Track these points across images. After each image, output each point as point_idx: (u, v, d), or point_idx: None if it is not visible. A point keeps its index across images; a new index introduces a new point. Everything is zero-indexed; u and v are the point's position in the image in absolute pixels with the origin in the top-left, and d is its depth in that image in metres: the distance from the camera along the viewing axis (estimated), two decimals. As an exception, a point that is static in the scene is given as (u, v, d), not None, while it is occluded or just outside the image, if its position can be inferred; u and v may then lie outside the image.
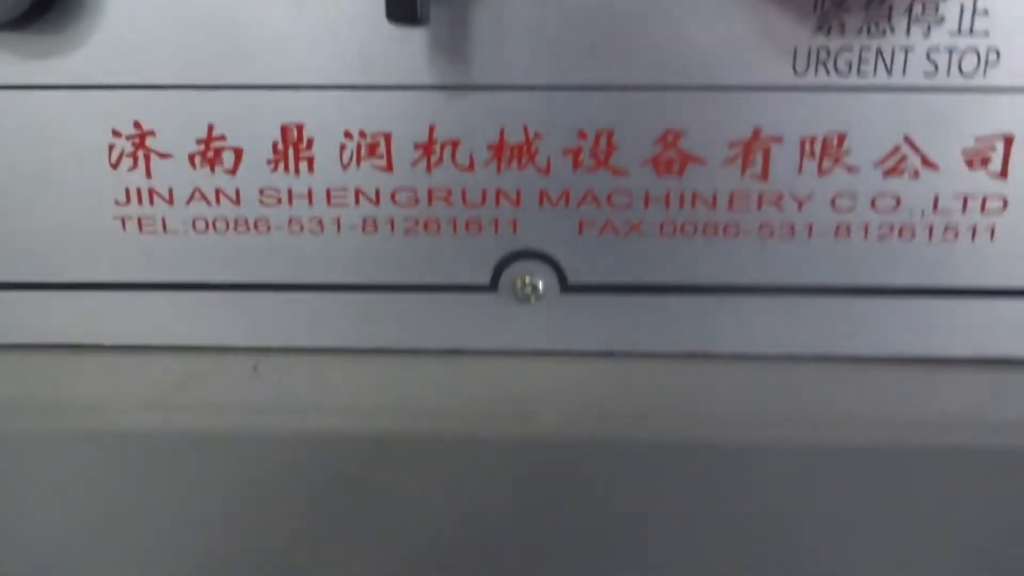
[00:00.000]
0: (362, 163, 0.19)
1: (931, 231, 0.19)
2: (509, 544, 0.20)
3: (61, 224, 0.20)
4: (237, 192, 0.19)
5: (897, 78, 0.18)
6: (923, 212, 0.19)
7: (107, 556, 0.20)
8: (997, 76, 0.18)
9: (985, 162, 0.18)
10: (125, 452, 0.19)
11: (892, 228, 0.19)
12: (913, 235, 0.19)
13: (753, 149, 0.19)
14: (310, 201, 0.19)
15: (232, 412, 0.19)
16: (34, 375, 0.20)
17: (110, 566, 0.20)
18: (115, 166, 0.19)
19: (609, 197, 0.19)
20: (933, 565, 0.19)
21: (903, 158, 0.18)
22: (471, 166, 0.19)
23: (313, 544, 0.20)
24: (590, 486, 0.19)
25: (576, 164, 0.19)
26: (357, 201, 0.19)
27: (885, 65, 0.18)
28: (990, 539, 0.19)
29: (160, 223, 0.20)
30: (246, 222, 0.20)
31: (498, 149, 0.19)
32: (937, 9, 0.17)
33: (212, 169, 0.19)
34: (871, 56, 0.18)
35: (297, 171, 0.19)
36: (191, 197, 0.19)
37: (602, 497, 0.19)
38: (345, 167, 0.19)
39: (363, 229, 0.20)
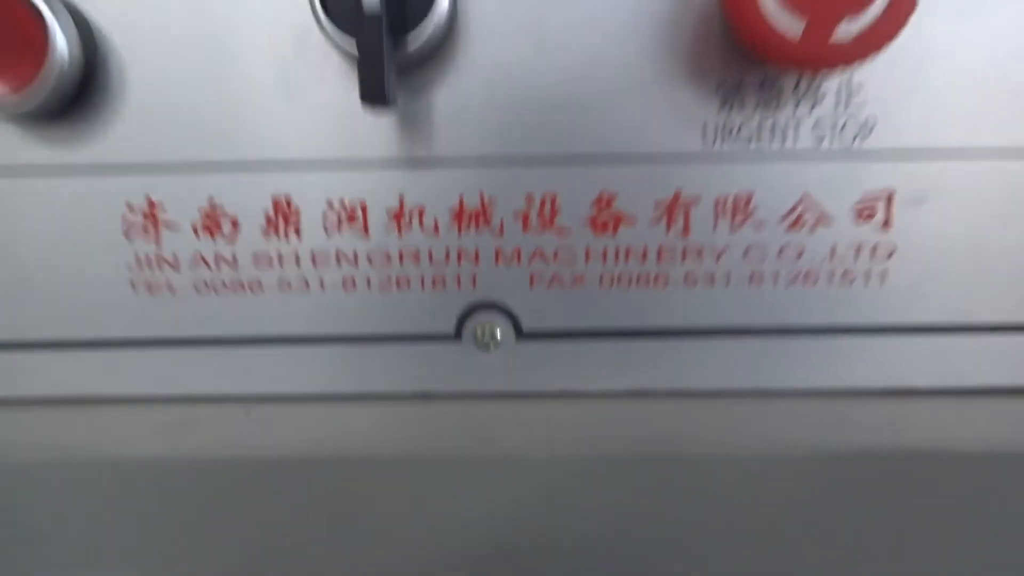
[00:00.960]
0: (342, 229, 0.21)
1: (831, 276, 0.21)
2: (473, 553, 0.21)
3: (78, 288, 0.22)
4: (234, 257, 0.21)
5: (790, 146, 0.20)
6: (823, 260, 0.21)
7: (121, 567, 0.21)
8: (874, 142, 0.20)
9: (872, 215, 0.21)
10: (138, 481, 0.20)
11: (797, 275, 0.21)
12: (816, 280, 0.21)
13: (675, 209, 0.21)
14: (298, 264, 0.21)
15: (228, 449, 0.21)
16: (55, 423, 0.22)
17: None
18: (127, 236, 0.21)
19: (555, 254, 0.21)
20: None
21: (802, 214, 0.21)
22: (436, 230, 0.21)
23: (295, 553, 0.21)
24: (545, 501, 0.20)
25: (526, 226, 0.21)
26: (339, 263, 0.21)
27: (780, 135, 0.20)
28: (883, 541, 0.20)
29: (167, 286, 0.22)
30: (242, 283, 0.22)
31: (459, 215, 0.21)
32: (819, 88, 0.20)
33: (212, 237, 0.21)
34: (767, 128, 0.20)
35: (287, 237, 0.21)
36: (194, 262, 0.21)
37: (555, 510, 0.20)
38: (328, 233, 0.21)
39: (344, 287, 0.22)
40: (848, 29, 0.17)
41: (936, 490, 0.21)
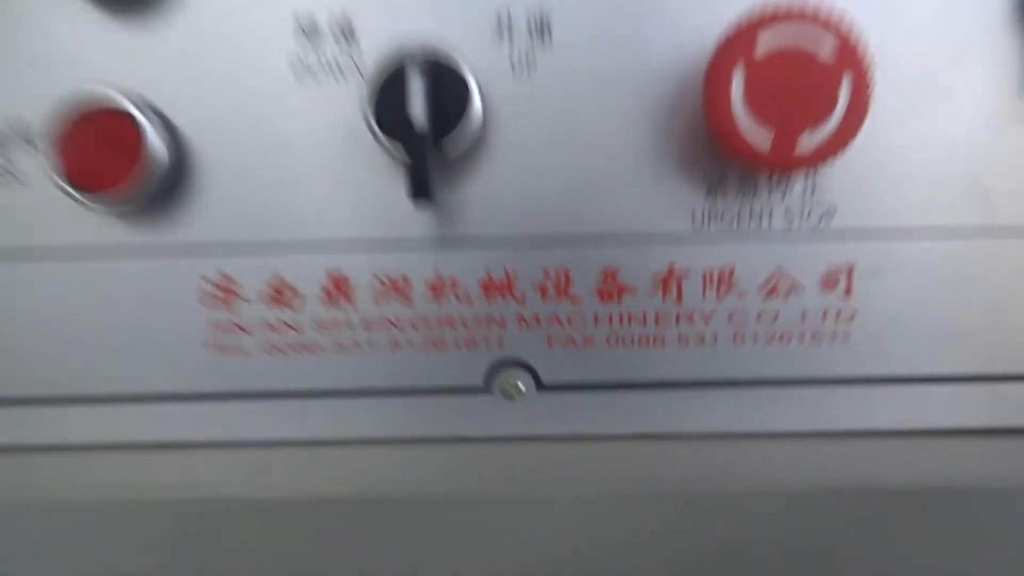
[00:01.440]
0: (389, 299, 0.25)
1: (802, 336, 0.25)
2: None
3: (159, 349, 0.25)
4: (297, 323, 0.25)
5: (766, 227, 0.24)
6: (795, 323, 0.24)
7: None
8: (836, 223, 0.24)
9: (835, 284, 0.24)
10: (214, 518, 0.23)
11: (774, 335, 0.25)
12: (789, 340, 0.25)
13: (669, 281, 0.24)
14: (352, 329, 0.25)
15: (294, 487, 0.24)
16: (140, 465, 0.25)
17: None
18: (203, 304, 0.25)
19: (569, 319, 0.25)
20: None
21: (777, 284, 0.24)
22: (468, 299, 0.24)
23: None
24: (561, 534, 0.24)
25: (543, 295, 0.24)
26: (386, 328, 0.25)
27: (756, 219, 0.24)
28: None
29: (237, 348, 0.25)
30: (304, 345, 0.25)
31: (487, 286, 0.24)
32: (788, 181, 0.23)
33: (278, 306, 0.25)
34: (746, 213, 0.24)
35: (342, 306, 0.25)
36: (262, 327, 0.25)
37: (570, 542, 0.24)
38: (376, 303, 0.25)
39: (391, 348, 0.25)
40: (810, 140, 0.21)
41: (894, 520, 0.24)
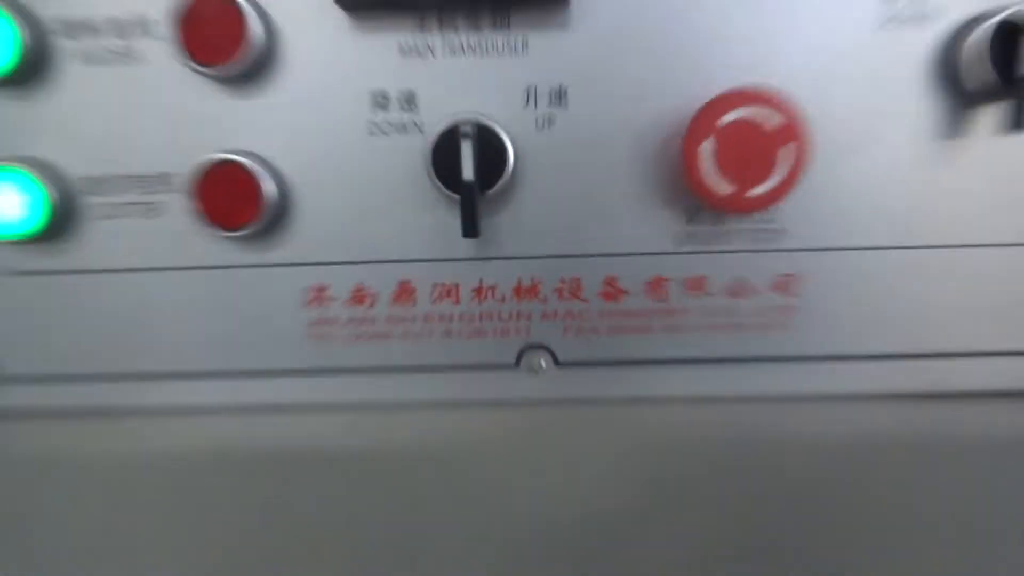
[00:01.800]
0: (443, 300, 0.32)
1: (756, 327, 0.32)
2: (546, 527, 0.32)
3: (271, 338, 0.32)
4: (373, 319, 0.32)
5: (730, 247, 0.31)
6: (751, 316, 0.32)
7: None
8: (784, 243, 0.31)
9: (783, 288, 0.31)
10: (314, 466, 0.31)
11: (735, 326, 0.32)
12: (747, 329, 0.32)
13: (657, 286, 0.31)
14: (414, 322, 0.32)
15: (372, 441, 0.31)
16: (253, 426, 0.32)
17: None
18: (304, 306, 0.32)
19: (580, 314, 0.32)
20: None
21: (738, 288, 0.31)
22: (503, 299, 0.32)
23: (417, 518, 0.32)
24: (579, 473, 0.31)
25: (560, 296, 0.32)
26: (441, 321, 0.32)
27: (724, 240, 0.31)
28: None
29: (330, 337, 0.32)
30: (378, 335, 0.32)
31: (517, 290, 0.32)
32: (748, 215, 0.30)
33: (360, 306, 0.32)
34: (716, 235, 0.31)
35: (407, 305, 0.32)
36: (348, 322, 0.32)
37: (584, 480, 0.31)
38: (433, 302, 0.32)
39: (444, 336, 0.32)
40: (758, 190, 0.28)
41: (805, 471, 0.32)
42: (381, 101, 0.29)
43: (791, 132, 0.27)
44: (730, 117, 0.27)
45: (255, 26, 0.28)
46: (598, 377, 0.33)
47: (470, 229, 0.29)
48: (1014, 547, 0.31)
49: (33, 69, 0.29)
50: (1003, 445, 0.31)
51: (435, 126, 0.29)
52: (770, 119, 0.27)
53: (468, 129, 0.28)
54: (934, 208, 0.30)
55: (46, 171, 0.30)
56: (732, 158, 0.28)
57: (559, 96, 0.29)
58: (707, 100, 0.27)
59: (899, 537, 0.31)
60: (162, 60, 0.29)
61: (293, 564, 0.32)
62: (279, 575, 0.32)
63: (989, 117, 0.29)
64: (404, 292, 0.32)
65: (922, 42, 0.29)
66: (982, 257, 0.31)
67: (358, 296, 0.32)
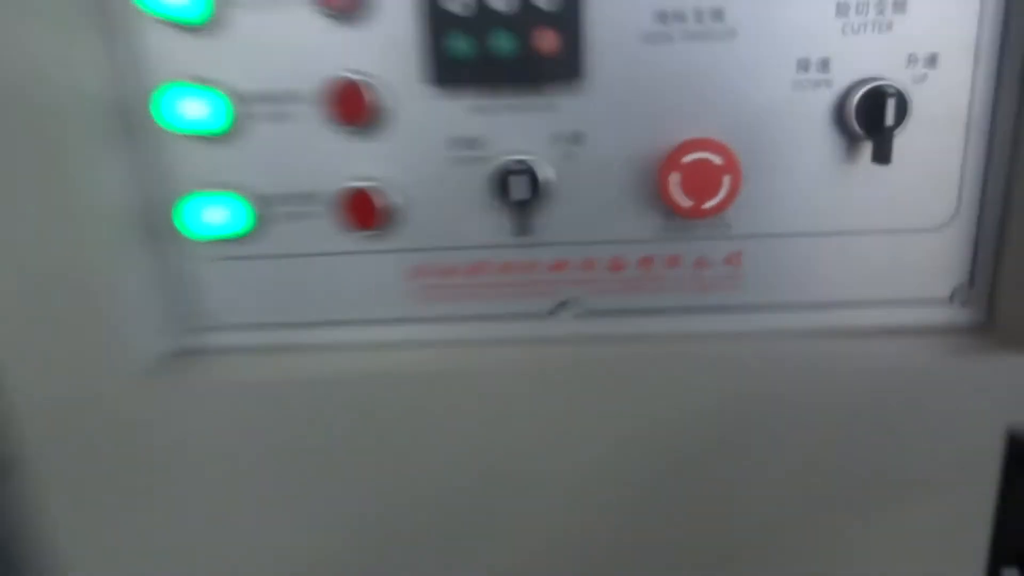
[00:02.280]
0: (509, 271, 0.47)
1: (715, 286, 0.46)
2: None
3: (384, 300, 0.48)
4: (457, 285, 0.47)
5: (695, 236, 0.45)
6: (711, 280, 0.46)
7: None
8: (732, 232, 0.45)
9: (733, 261, 0.46)
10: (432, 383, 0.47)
11: (701, 286, 0.46)
12: (708, 288, 0.46)
13: (646, 261, 0.46)
14: (485, 288, 0.47)
15: (455, 366, 0.47)
16: (370, 359, 0.48)
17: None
18: (408, 276, 0.47)
19: (594, 281, 0.46)
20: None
21: (701, 262, 0.46)
22: (544, 271, 0.46)
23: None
24: (602, 395, 0.47)
25: (584, 269, 0.46)
26: (504, 286, 0.47)
27: (691, 232, 0.45)
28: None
29: (424, 296, 0.48)
30: (460, 296, 0.47)
31: (552, 266, 0.46)
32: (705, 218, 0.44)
33: (445, 277, 0.47)
34: (686, 228, 0.45)
35: (480, 275, 0.47)
36: (438, 287, 0.47)
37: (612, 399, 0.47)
38: (502, 273, 0.47)
39: (506, 295, 0.47)
40: (710, 204, 0.42)
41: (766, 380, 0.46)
42: (457, 144, 0.44)
43: (730, 167, 0.41)
44: (689, 157, 0.41)
45: (373, 96, 0.43)
46: (608, 321, 0.47)
47: (520, 230, 0.43)
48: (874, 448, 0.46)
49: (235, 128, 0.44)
50: (878, 368, 0.45)
51: (496, 161, 0.43)
52: (715, 158, 0.41)
53: (515, 166, 0.43)
54: (833, 208, 0.44)
55: (247, 193, 0.45)
56: (691, 183, 0.42)
57: (577, 139, 0.43)
58: (675, 145, 0.41)
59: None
60: (312, 119, 0.44)
61: (407, 454, 0.48)
62: (406, 459, 0.48)
63: (867, 149, 0.43)
64: (479, 268, 0.47)
65: (823, 99, 0.42)
66: (864, 239, 0.45)
67: (445, 271, 0.47)
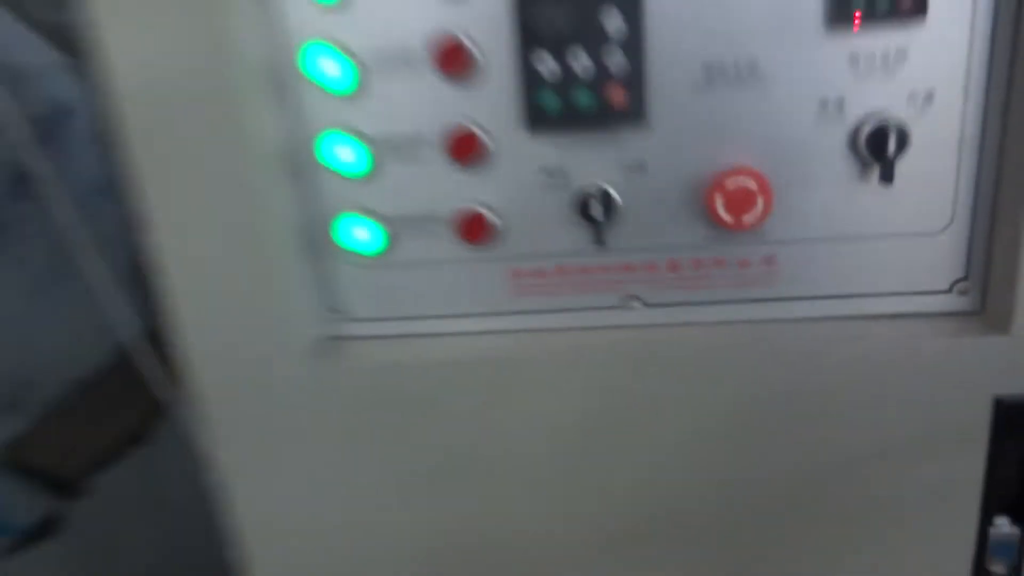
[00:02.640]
0: (583, 273, 0.58)
1: (755, 282, 0.57)
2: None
3: (485, 297, 0.60)
4: (546, 284, 0.59)
5: (737, 243, 0.56)
6: (752, 278, 0.57)
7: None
8: (765, 239, 0.56)
9: (767, 263, 0.56)
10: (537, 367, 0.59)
11: (743, 282, 0.57)
12: (749, 284, 0.57)
13: (697, 263, 0.57)
14: (569, 285, 0.59)
15: (546, 351, 0.59)
16: (467, 344, 0.60)
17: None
18: (507, 277, 0.59)
19: (656, 279, 0.58)
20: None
21: (744, 263, 0.57)
22: (615, 272, 0.58)
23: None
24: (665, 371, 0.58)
25: (647, 271, 0.58)
26: (582, 285, 0.59)
27: (733, 240, 0.56)
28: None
29: (519, 293, 0.59)
30: (550, 292, 0.59)
31: (621, 268, 0.58)
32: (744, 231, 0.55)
33: (537, 278, 0.59)
34: (730, 237, 0.56)
35: (565, 276, 0.59)
36: (529, 287, 0.59)
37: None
38: (577, 274, 0.58)
39: (584, 291, 0.59)
40: (747, 219, 0.53)
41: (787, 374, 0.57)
42: (547, 174, 0.56)
43: (763, 189, 0.52)
44: (730, 182, 0.52)
45: (481, 139, 0.55)
46: (666, 311, 0.59)
47: (597, 241, 0.55)
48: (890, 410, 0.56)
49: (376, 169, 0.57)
50: (888, 346, 0.56)
51: (577, 187, 0.55)
52: (751, 183, 0.52)
53: (592, 190, 0.54)
54: (850, 217, 0.55)
55: (382, 218, 0.58)
56: (732, 203, 0.53)
57: (641, 168, 0.55)
58: (718, 172, 0.52)
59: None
60: (434, 158, 0.56)
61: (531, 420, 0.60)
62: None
63: (876, 171, 0.53)
64: (562, 270, 0.58)
65: (840, 132, 0.53)
66: (876, 242, 0.55)
67: (536, 274, 0.59)
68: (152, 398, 1.28)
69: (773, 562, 0.62)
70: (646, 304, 0.59)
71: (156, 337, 1.22)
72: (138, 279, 1.30)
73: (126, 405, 1.31)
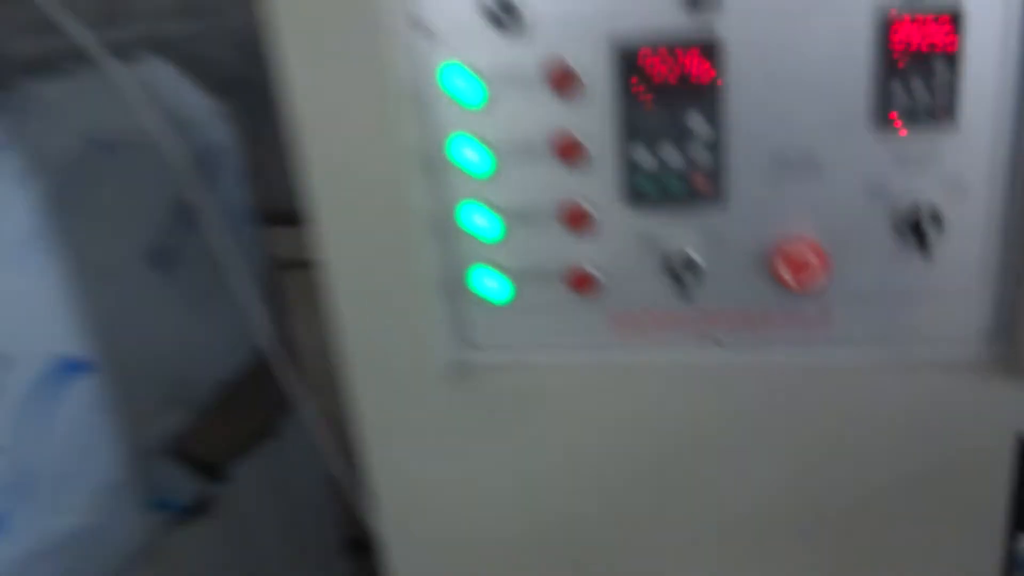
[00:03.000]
0: (675, 325, 0.71)
1: (814, 331, 0.69)
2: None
3: (606, 339, 0.73)
4: (647, 332, 0.72)
5: (799, 299, 0.68)
6: (810, 325, 0.69)
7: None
8: (821, 296, 0.68)
9: (824, 312, 0.68)
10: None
11: (805, 332, 0.69)
12: (811, 329, 0.69)
13: (766, 318, 0.69)
14: (667, 333, 0.72)
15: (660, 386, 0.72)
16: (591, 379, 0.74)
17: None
18: (612, 323, 0.73)
19: (738, 329, 0.70)
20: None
21: (801, 316, 0.69)
22: (703, 322, 0.71)
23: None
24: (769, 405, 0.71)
25: (730, 323, 0.70)
26: (679, 335, 0.72)
27: (794, 298, 0.68)
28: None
29: (622, 335, 0.73)
30: (647, 338, 0.73)
31: (709, 319, 0.71)
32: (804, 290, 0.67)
33: (642, 328, 0.72)
34: (792, 295, 0.68)
35: (657, 328, 0.72)
36: (632, 332, 0.72)
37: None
38: (670, 327, 0.72)
39: (682, 338, 0.72)
40: (809, 281, 0.65)
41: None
42: (646, 239, 0.69)
43: (821, 258, 0.64)
44: (792, 250, 0.65)
45: (590, 212, 0.68)
46: (743, 352, 0.71)
47: (684, 296, 0.68)
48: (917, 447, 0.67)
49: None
50: (925, 385, 0.67)
51: (668, 252, 0.68)
52: (811, 254, 0.65)
53: (681, 255, 0.67)
54: (895, 278, 0.66)
55: (510, 273, 0.72)
56: (794, 268, 0.65)
57: (721, 238, 0.68)
58: (783, 242, 0.65)
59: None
60: (555, 228, 0.70)
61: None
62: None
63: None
64: (653, 316, 0.72)
65: (887, 214, 0.64)
66: (917, 297, 0.67)
67: (635, 318, 0.72)
68: (282, 397, 1.47)
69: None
70: (723, 346, 0.71)
71: (287, 345, 1.40)
72: (273, 296, 1.49)
73: (261, 403, 1.50)
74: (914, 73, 0.60)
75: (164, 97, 1.29)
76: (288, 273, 1.56)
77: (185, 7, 1.47)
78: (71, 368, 1.01)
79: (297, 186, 0.70)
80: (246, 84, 1.41)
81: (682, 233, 0.67)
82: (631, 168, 0.66)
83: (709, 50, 0.62)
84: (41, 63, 1.37)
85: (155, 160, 1.19)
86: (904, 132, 0.62)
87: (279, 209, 1.23)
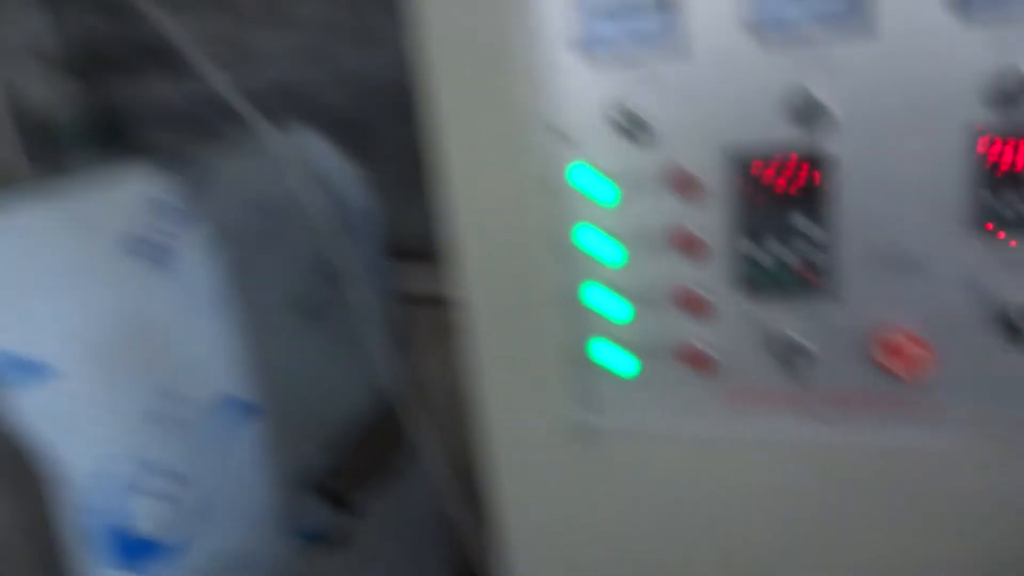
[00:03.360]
0: (772, 407, 0.78)
1: (916, 413, 0.74)
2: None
3: (720, 412, 0.80)
4: (750, 414, 0.79)
5: (904, 385, 0.73)
6: (913, 408, 0.74)
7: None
8: (924, 380, 0.73)
9: (924, 394, 0.73)
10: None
11: (909, 414, 0.74)
12: (914, 411, 0.74)
13: (867, 402, 0.75)
14: (763, 411, 0.78)
15: (774, 465, 0.78)
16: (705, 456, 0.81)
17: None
18: (729, 403, 0.80)
19: (833, 411, 0.76)
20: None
21: (906, 401, 0.74)
22: (794, 405, 0.77)
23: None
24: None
25: (827, 404, 0.76)
26: (775, 413, 0.78)
27: (899, 384, 0.73)
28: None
29: (733, 409, 0.80)
30: (757, 414, 0.79)
31: (819, 397, 0.77)
32: (910, 377, 0.73)
33: (741, 405, 0.79)
34: (896, 383, 0.73)
35: (759, 405, 0.78)
36: (750, 409, 0.79)
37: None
38: (769, 409, 0.78)
39: (780, 414, 0.78)
40: (914, 372, 0.70)
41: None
42: (756, 325, 0.76)
43: (922, 347, 0.70)
44: (898, 341, 0.70)
45: (707, 299, 0.76)
46: (847, 431, 0.77)
47: (795, 378, 0.74)
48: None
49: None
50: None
51: (780, 340, 0.75)
52: (915, 346, 0.70)
53: (792, 341, 0.74)
54: (995, 371, 0.71)
55: (633, 350, 0.80)
56: (898, 358, 0.71)
57: (830, 328, 0.74)
58: (888, 335, 0.71)
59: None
60: (675, 313, 0.78)
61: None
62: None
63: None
64: (766, 395, 0.78)
65: (987, 307, 0.69)
66: (1016, 387, 0.71)
67: (749, 396, 0.79)
68: (407, 439, 1.58)
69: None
70: (831, 425, 0.77)
71: (413, 381, 1.53)
72: (402, 348, 1.62)
73: (389, 444, 1.62)
74: (1007, 185, 0.65)
75: (313, 164, 1.45)
76: (417, 308, 1.68)
77: (304, 52, 1.62)
78: (243, 409, 1.15)
79: (431, 231, 0.81)
80: (355, 127, 1.57)
81: (793, 320, 0.74)
82: (747, 262, 0.73)
83: (816, 162, 0.69)
84: (178, 111, 1.57)
85: (303, 221, 1.34)
86: (1001, 235, 0.67)
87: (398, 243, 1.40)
